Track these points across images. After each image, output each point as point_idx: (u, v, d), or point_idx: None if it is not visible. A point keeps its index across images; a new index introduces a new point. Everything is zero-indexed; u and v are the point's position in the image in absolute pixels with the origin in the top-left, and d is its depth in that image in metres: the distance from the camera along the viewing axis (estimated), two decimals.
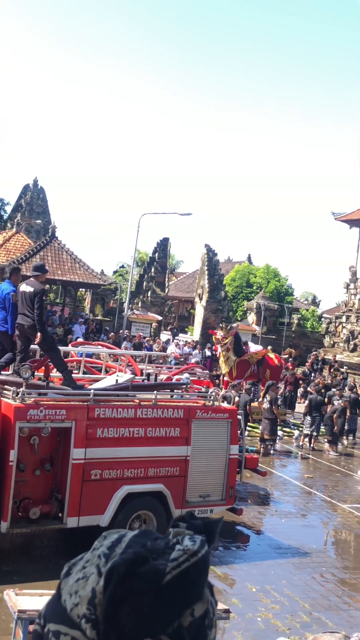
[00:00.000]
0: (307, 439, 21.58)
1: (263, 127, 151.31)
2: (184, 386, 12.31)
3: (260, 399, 21.42)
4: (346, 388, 25.77)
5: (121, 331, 31.35)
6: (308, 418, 21.60)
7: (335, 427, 21.45)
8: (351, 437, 23.49)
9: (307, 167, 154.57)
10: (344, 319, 38.90)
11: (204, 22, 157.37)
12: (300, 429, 22.66)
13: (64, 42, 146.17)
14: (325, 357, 33.64)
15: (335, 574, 11.05)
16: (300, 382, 26.86)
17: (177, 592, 1.00)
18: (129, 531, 1.10)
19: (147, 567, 1.00)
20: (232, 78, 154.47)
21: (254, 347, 23.83)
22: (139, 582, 0.99)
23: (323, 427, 21.67)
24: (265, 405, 19.63)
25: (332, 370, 31.13)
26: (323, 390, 23.62)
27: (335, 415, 21.46)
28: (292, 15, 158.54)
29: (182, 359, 27.35)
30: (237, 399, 18.12)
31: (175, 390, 12.12)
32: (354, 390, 25.11)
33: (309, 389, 24.31)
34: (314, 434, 21.39)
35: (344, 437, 23.06)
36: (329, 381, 27.56)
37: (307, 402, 22.36)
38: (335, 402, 22.47)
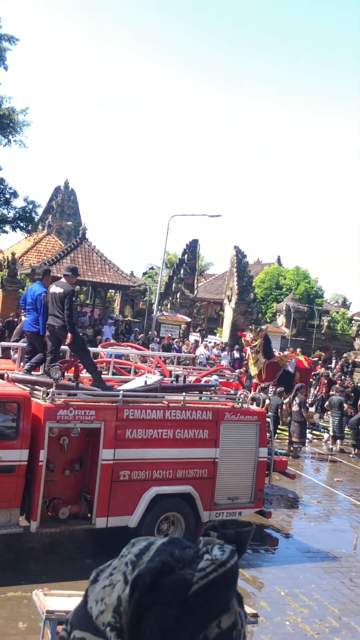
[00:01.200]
0: (335, 441, 21.42)
1: (291, 125, 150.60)
2: (213, 388, 12.28)
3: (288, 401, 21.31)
4: None
5: (150, 332, 31.41)
6: (330, 419, 21.52)
7: None
8: None
9: (337, 166, 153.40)
10: None
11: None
12: (329, 431, 22.50)
13: (102, 39, 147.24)
14: (356, 359, 33.31)
15: None
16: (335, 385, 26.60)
17: (203, 603, 0.98)
18: (158, 538, 1.08)
19: (173, 577, 0.99)
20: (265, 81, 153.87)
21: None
22: (165, 591, 0.98)
23: (348, 429, 21.49)
24: (295, 407, 19.51)
25: None
26: (352, 394, 23.41)
27: None
28: None
29: (217, 360, 27.38)
30: (267, 401, 18.04)
31: (203, 392, 12.12)
32: None
33: (331, 392, 24.12)
34: (337, 433, 21.19)
35: None
36: (358, 384, 27.33)
37: (326, 402, 22.30)
38: None
